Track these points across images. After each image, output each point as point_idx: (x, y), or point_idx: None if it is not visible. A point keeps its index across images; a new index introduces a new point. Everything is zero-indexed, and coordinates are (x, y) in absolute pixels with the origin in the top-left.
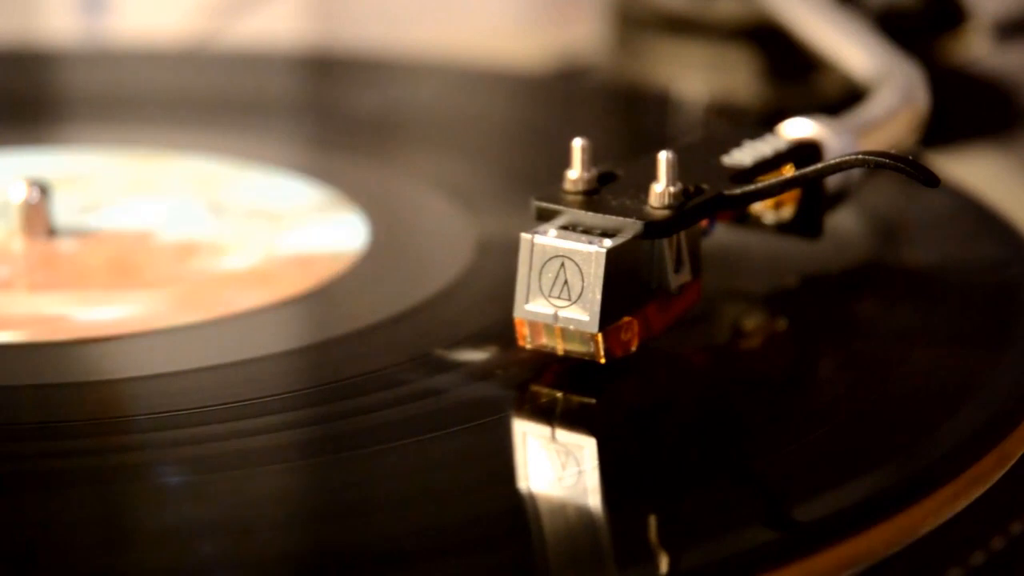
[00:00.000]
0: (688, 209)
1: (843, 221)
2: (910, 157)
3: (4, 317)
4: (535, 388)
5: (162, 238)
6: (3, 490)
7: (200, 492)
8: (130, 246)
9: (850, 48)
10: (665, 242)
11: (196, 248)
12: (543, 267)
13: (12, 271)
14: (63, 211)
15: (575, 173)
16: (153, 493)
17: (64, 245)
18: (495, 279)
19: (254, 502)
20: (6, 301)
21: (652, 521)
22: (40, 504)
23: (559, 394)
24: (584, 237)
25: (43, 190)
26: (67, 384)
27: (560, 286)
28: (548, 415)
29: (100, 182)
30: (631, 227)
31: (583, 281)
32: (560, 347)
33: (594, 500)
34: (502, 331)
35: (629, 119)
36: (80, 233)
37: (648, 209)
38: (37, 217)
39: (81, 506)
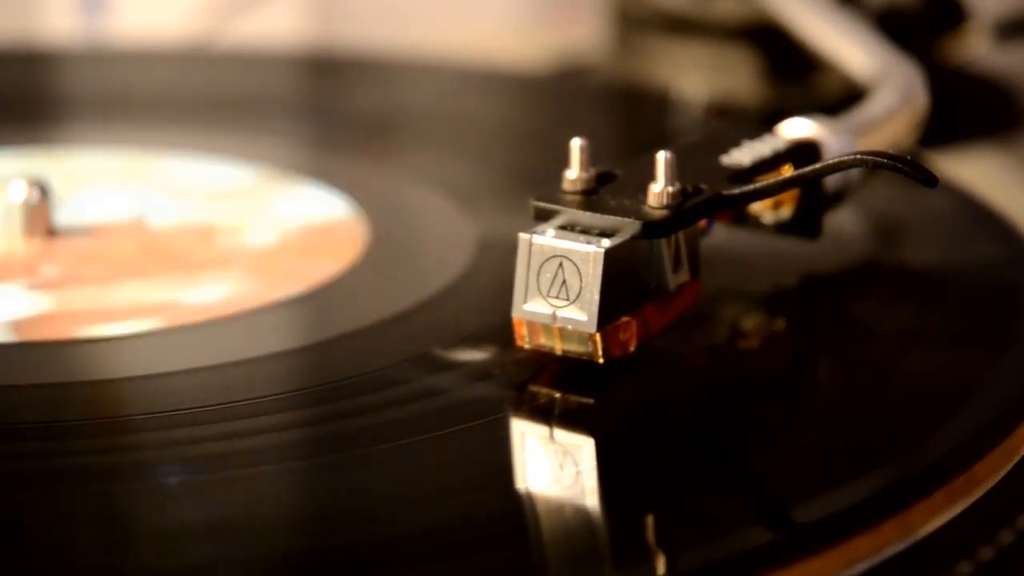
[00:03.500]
0: (686, 209)
1: (842, 221)
2: (909, 157)
3: (117, 309)
4: (533, 388)
5: (173, 228)
6: (3, 490)
7: (200, 492)
8: (149, 236)
9: (850, 48)
10: (663, 242)
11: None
12: (541, 267)
13: (62, 269)
14: (63, 211)
15: (574, 173)
16: (153, 493)
17: (78, 243)
18: (494, 279)
19: (254, 502)
20: (103, 295)
21: (650, 521)
22: (40, 504)
23: (557, 394)
24: (582, 237)
25: (43, 190)
26: (67, 384)
27: (558, 286)
28: (546, 415)
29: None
30: (629, 227)
31: (581, 281)
32: (558, 347)
33: (592, 500)
34: (501, 331)
35: (629, 119)
36: (82, 231)
37: (646, 209)
38: (37, 217)
39: (81, 506)
